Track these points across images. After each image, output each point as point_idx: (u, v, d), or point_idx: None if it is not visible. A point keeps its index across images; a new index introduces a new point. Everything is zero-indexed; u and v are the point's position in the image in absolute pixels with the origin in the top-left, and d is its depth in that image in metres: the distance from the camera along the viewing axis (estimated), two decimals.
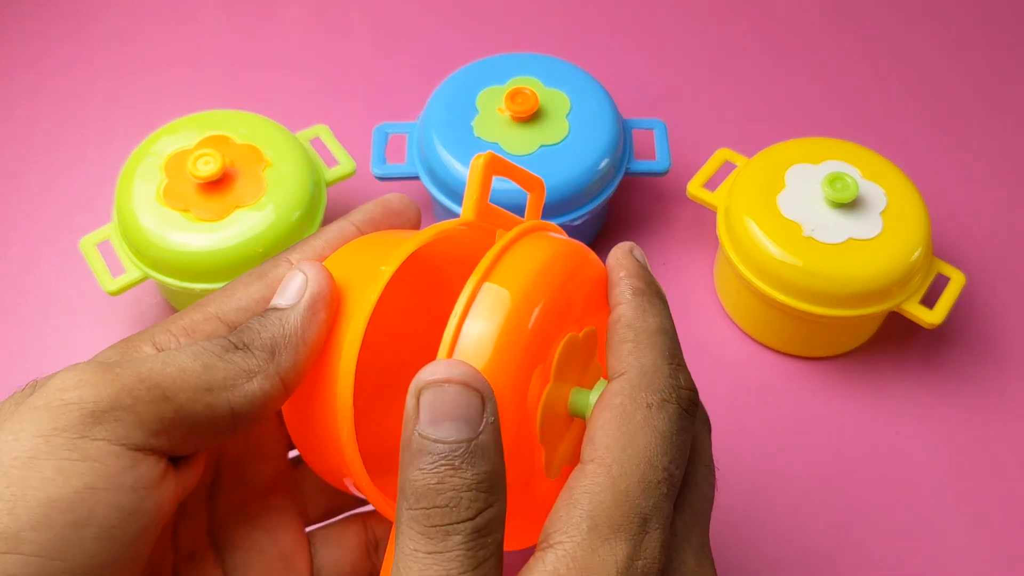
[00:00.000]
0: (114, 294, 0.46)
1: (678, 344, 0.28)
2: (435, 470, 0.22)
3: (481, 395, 0.23)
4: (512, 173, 0.29)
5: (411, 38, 0.63)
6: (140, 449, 0.24)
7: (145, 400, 0.24)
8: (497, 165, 0.28)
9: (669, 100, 0.59)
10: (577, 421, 0.28)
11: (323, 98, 0.59)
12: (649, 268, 0.29)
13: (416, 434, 0.22)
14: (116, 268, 0.47)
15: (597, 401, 0.26)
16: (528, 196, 0.30)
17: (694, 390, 0.27)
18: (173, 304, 0.50)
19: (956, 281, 0.45)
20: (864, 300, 0.44)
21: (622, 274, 0.28)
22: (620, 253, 0.29)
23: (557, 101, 0.49)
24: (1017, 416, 0.46)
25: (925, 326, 0.44)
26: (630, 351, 0.26)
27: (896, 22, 0.64)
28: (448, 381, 0.23)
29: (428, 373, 0.23)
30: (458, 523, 0.22)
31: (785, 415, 0.46)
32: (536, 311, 0.26)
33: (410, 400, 0.23)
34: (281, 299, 0.27)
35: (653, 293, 0.28)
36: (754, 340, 0.49)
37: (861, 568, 0.42)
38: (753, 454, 0.45)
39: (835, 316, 0.44)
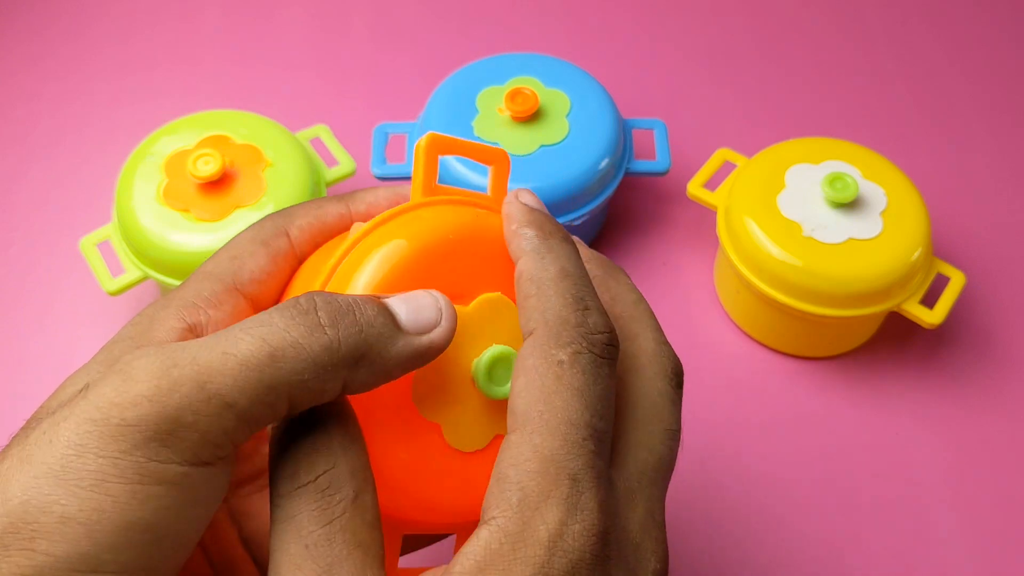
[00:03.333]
0: (114, 294, 0.46)
1: (587, 285, 0.26)
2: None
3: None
4: (463, 149, 0.28)
5: (411, 38, 0.63)
6: (209, 463, 0.23)
7: (206, 414, 0.23)
8: (442, 144, 0.27)
9: (669, 100, 0.59)
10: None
11: (323, 98, 0.59)
12: (544, 209, 0.28)
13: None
14: (116, 268, 0.47)
15: (515, 367, 0.25)
16: (489, 170, 0.29)
17: (608, 331, 0.25)
18: None
19: (956, 281, 0.45)
20: (864, 300, 0.44)
21: (514, 226, 0.27)
22: (509, 202, 0.27)
23: (557, 101, 0.49)
24: (1017, 416, 0.46)
25: (925, 326, 0.44)
26: (534, 305, 0.25)
27: (896, 22, 0.64)
28: None
29: None
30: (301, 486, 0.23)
31: (785, 415, 0.46)
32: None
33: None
34: (401, 310, 0.25)
35: (551, 235, 0.27)
36: (754, 340, 0.49)
37: (861, 568, 0.42)
38: (752, 454, 0.45)
39: (835, 316, 0.44)
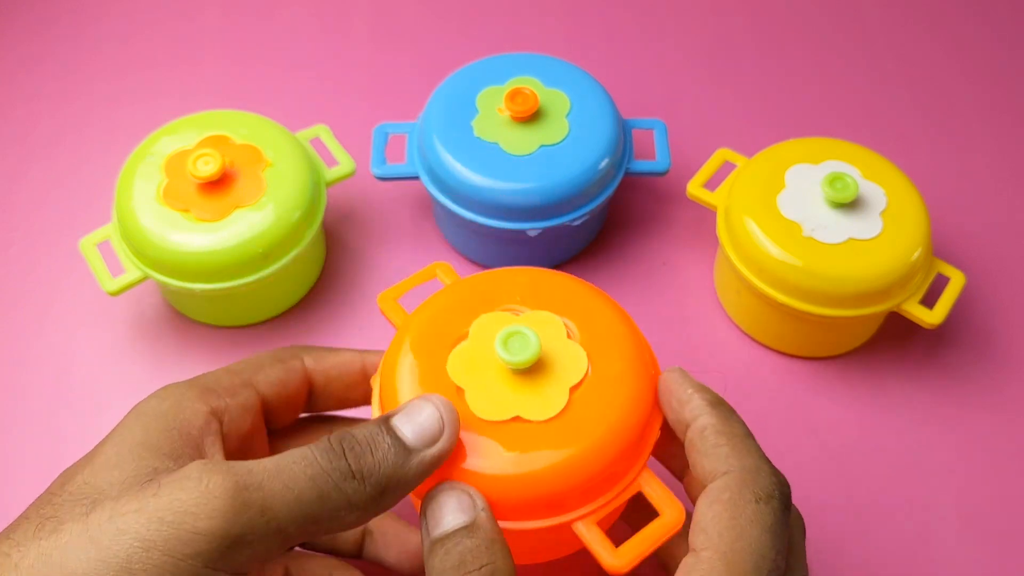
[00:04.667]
0: (114, 294, 0.46)
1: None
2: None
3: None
4: (408, 285, 0.39)
5: (411, 38, 0.63)
6: (246, 574, 0.27)
7: (264, 536, 0.27)
8: (390, 294, 0.38)
9: (669, 100, 0.59)
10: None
11: (323, 98, 0.59)
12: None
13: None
14: (116, 268, 0.47)
15: (703, 496, 0.30)
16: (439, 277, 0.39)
17: (788, 488, 0.30)
18: (173, 304, 0.50)
19: (956, 281, 0.45)
20: (864, 300, 0.44)
21: (689, 391, 0.32)
22: (675, 375, 0.33)
23: (557, 101, 0.49)
24: (1017, 416, 0.46)
25: (925, 326, 0.44)
26: (728, 453, 0.30)
27: (896, 22, 0.64)
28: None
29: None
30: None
31: (785, 415, 0.46)
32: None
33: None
34: (407, 430, 0.29)
35: (725, 403, 0.32)
36: (754, 340, 0.49)
37: (861, 568, 0.42)
38: None
39: (835, 316, 0.44)
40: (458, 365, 0.33)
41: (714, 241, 0.50)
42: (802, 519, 0.32)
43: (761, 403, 0.47)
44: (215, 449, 0.31)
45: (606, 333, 0.34)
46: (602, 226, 0.53)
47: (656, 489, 0.32)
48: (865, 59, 0.62)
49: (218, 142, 0.47)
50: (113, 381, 0.48)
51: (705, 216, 0.52)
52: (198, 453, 0.30)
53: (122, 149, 0.53)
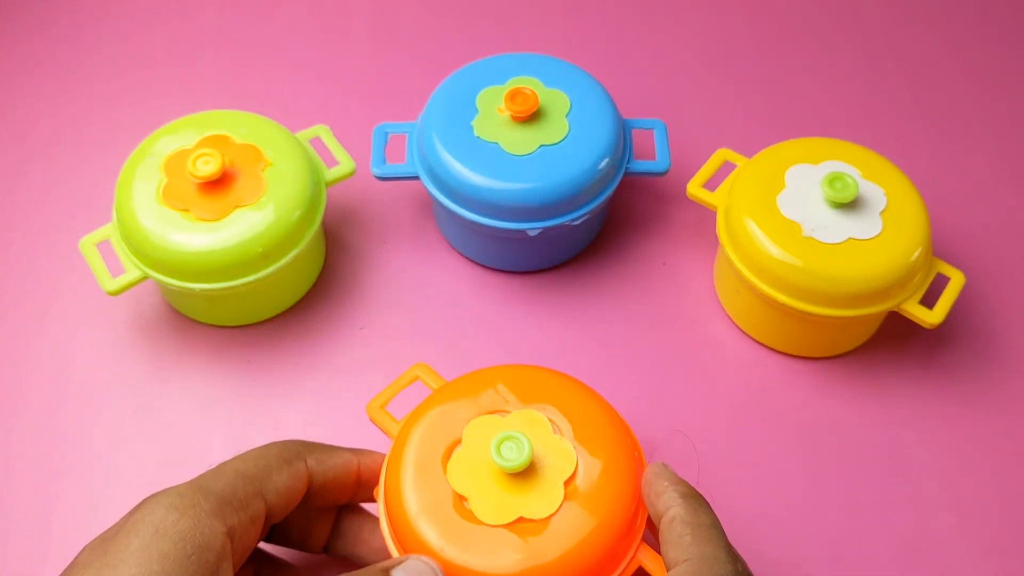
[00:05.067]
0: (114, 294, 0.46)
1: (725, 537, 0.32)
2: None
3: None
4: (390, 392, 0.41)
5: (411, 38, 0.63)
6: None
7: None
8: (378, 402, 0.40)
9: (669, 100, 0.59)
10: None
11: (323, 98, 0.59)
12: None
13: None
14: (116, 268, 0.47)
15: None
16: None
17: (746, 572, 0.32)
18: (173, 304, 0.50)
19: (956, 281, 0.45)
20: (864, 300, 0.44)
21: (665, 483, 0.34)
22: (658, 468, 0.35)
23: (557, 101, 0.49)
24: (1017, 416, 0.46)
25: (925, 326, 0.44)
26: (690, 543, 0.31)
27: (896, 22, 0.64)
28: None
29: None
30: None
31: (785, 415, 0.46)
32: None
33: None
34: None
35: (700, 499, 0.33)
36: (754, 340, 0.49)
37: (861, 568, 0.42)
38: (752, 454, 0.45)
39: (835, 316, 0.44)
40: (457, 473, 0.35)
41: (714, 241, 0.50)
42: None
43: (761, 403, 0.47)
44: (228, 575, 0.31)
45: (590, 424, 0.36)
46: (602, 226, 0.53)
47: (652, 559, 0.35)
48: (865, 59, 0.62)
49: (218, 142, 0.47)
50: (113, 381, 0.48)
51: (705, 216, 0.52)
52: None
53: (122, 149, 0.53)
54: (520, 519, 0.34)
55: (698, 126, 0.57)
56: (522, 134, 0.47)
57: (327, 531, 0.39)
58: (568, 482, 0.35)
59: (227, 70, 0.61)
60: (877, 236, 0.44)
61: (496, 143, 0.47)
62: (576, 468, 0.35)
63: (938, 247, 0.52)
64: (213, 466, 0.34)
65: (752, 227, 0.45)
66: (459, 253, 0.52)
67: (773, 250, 0.44)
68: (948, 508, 0.44)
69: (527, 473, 0.35)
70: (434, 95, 0.50)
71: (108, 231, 0.47)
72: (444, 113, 0.49)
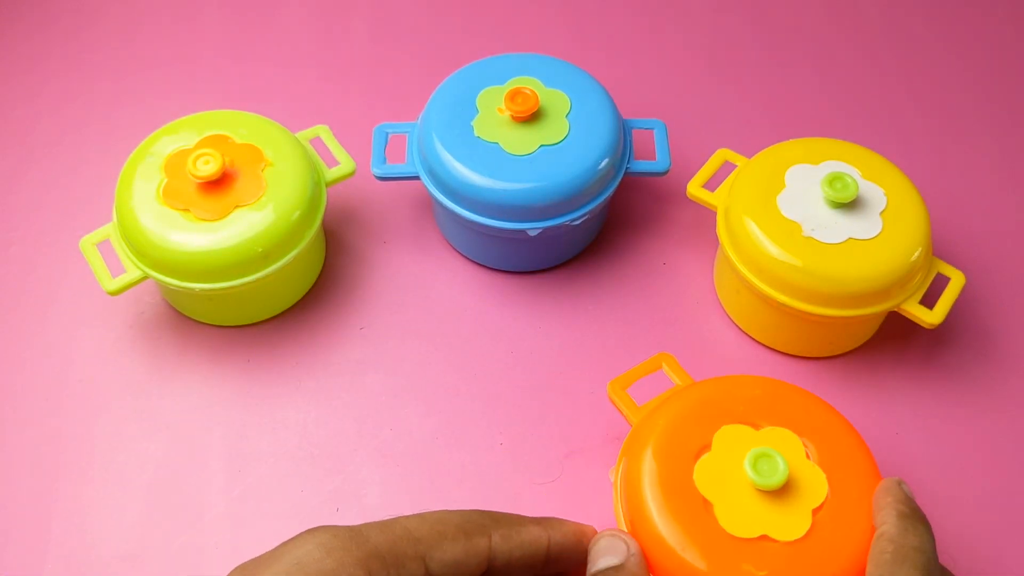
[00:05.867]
0: (114, 294, 0.46)
1: (937, 564, 0.32)
2: None
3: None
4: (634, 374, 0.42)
5: (411, 38, 0.63)
6: None
7: None
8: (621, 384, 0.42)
9: (669, 100, 0.59)
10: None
11: (323, 98, 0.59)
12: (915, 501, 0.34)
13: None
14: (116, 268, 0.47)
15: None
16: (664, 369, 0.42)
17: None
18: (173, 304, 0.50)
19: (956, 281, 0.45)
20: (864, 300, 0.44)
21: (889, 499, 0.33)
22: (889, 484, 0.34)
23: (557, 101, 0.49)
24: (1017, 416, 0.46)
25: (925, 326, 0.44)
26: (888, 561, 0.31)
27: (896, 22, 0.64)
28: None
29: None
30: None
31: None
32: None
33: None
34: None
35: (917, 519, 0.33)
36: (754, 340, 0.49)
37: None
38: None
39: (835, 316, 0.44)
40: (705, 478, 0.35)
41: (714, 241, 0.50)
42: None
43: None
44: None
45: (842, 454, 0.36)
46: (602, 226, 0.53)
47: None
48: (865, 59, 0.62)
49: (218, 142, 0.47)
50: (113, 380, 0.48)
51: (705, 216, 0.52)
52: None
53: (122, 149, 0.53)
54: (764, 537, 0.34)
55: (698, 126, 0.57)
56: (522, 134, 0.47)
57: None
58: (817, 511, 0.34)
59: (227, 70, 0.61)
60: (877, 236, 0.44)
61: (496, 143, 0.47)
62: (826, 498, 0.35)
63: (938, 247, 0.52)
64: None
65: (752, 227, 0.45)
66: (459, 253, 0.52)
67: (773, 250, 0.44)
68: (948, 508, 0.44)
69: (778, 493, 0.34)
70: (434, 95, 0.50)
71: (108, 231, 0.47)
72: (444, 113, 0.49)
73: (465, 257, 0.52)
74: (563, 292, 0.51)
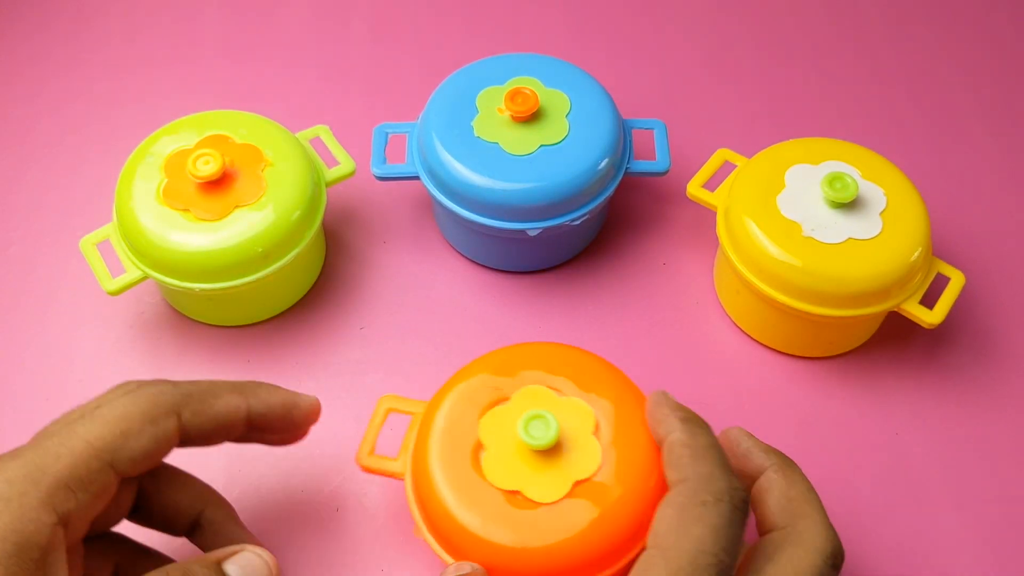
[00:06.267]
0: (114, 294, 0.46)
1: (726, 457, 0.33)
2: None
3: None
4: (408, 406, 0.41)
5: (411, 38, 0.63)
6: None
7: None
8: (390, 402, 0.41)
9: (669, 100, 0.59)
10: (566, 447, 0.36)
11: (323, 98, 0.59)
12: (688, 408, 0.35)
13: None
14: (116, 268, 0.47)
15: (661, 502, 0.32)
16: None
17: (746, 493, 0.32)
18: (173, 304, 0.50)
19: (956, 281, 0.45)
20: (864, 300, 0.44)
21: (665, 410, 0.35)
22: (657, 396, 0.36)
23: (557, 101, 0.49)
24: (1017, 416, 0.46)
25: (925, 326, 0.44)
26: (688, 463, 0.32)
27: (896, 22, 0.64)
28: None
29: None
30: None
31: (785, 415, 0.46)
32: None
33: None
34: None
35: (698, 421, 0.34)
36: (754, 340, 0.49)
37: (860, 568, 0.42)
38: None
39: (835, 316, 0.44)
40: (489, 425, 0.37)
41: (714, 241, 0.50)
42: (834, 544, 0.32)
43: (761, 403, 0.47)
44: (59, 567, 0.29)
45: (632, 439, 0.36)
46: (602, 226, 0.53)
47: None
48: (865, 59, 0.62)
49: (218, 142, 0.47)
50: (113, 381, 0.47)
51: (705, 216, 0.52)
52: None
53: (122, 149, 0.53)
54: (518, 492, 0.35)
55: (698, 126, 0.57)
56: (522, 134, 0.47)
57: (192, 517, 0.37)
58: (580, 483, 0.35)
59: (227, 70, 0.61)
60: (877, 236, 0.44)
61: (496, 143, 0.47)
62: (595, 473, 0.35)
63: (938, 247, 0.52)
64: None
65: (752, 227, 0.45)
66: (459, 253, 0.52)
67: (773, 250, 0.44)
68: (948, 508, 0.44)
69: (547, 456, 0.36)
70: (434, 95, 0.50)
71: (108, 231, 0.47)
72: (444, 113, 0.49)
73: (465, 257, 0.52)
74: (563, 292, 0.51)
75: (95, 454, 0.30)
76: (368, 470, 0.39)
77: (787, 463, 0.35)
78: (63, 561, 0.29)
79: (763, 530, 0.33)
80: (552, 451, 0.36)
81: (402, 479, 0.38)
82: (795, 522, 0.32)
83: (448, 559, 0.35)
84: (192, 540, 0.38)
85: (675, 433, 0.33)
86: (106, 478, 0.30)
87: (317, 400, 0.37)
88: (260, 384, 0.36)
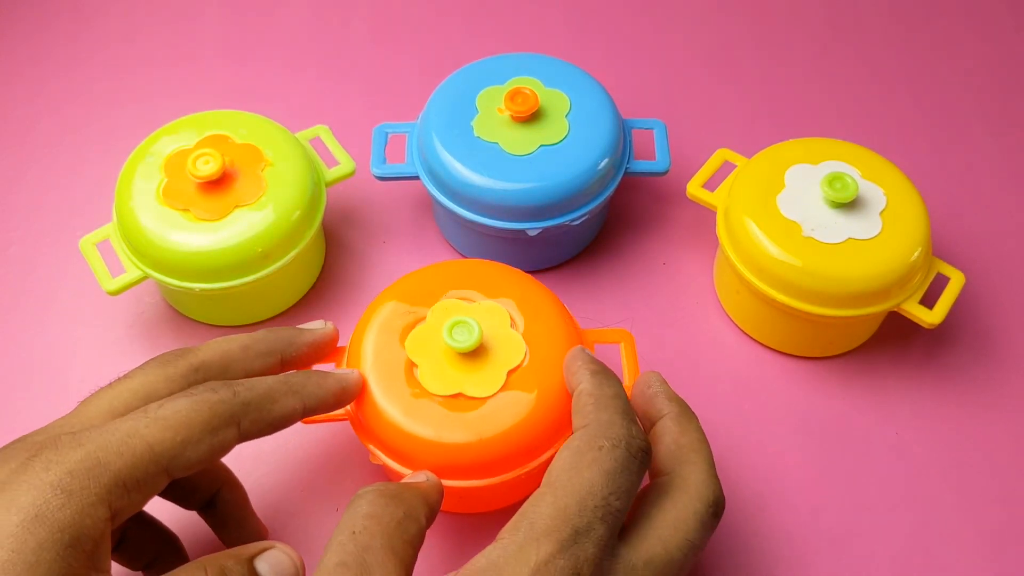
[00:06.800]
0: (114, 294, 0.46)
1: (631, 408, 0.34)
2: None
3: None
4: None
5: (411, 38, 0.63)
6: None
7: None
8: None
9: (669, 100, 0.59)
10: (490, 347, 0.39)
11: (323, 98, 0.59)
12: (600, 362, 0.37)
13: None
14: (116, 268, 0.47)
15: (561, 446, 0.33)
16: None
17: (645, 442, 0.33)
18: (173, 304, 0.50)
19: (956, 281, 0.45)
20: (864, 300, 0.44)
21: (578, 363, 0.37)
22: (574, 352, 0.38)
23: (557, 101, 0.49)
24: (1017, 416, 0.46)
25: (925, 326, 0.44)
26: (591, 411, 0.33)
27: (896, 22, 0.64)
28: None
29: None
30: None
31: (785, 415, 0.46)
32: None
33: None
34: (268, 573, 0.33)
35: (608, 374, 0.36)
36: (754, 340, 0.49)
37: (860, 568, 0.42)
38: (752, 454, 0.45)
39: (835, 316, 0.44)
40: (415, 344, 0.39)
41: (714, 241, 0.50)
42: (716, 493, 0.33)
43: (761, 403, 0.47)
44: (105, 557, 0.30)
45: (545, 324, 0.40)
46: (602, 226, 0.53)
47: None
48: (865, 59, 0.62)
49: (218, 142, 0.47)
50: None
51: (705, 216, 0.52)
52: (90, 567, 0.29)
53: (122, 149, 0.53)
54: (460, 395, 0.38)
55: (698, 126, 0.57)
56: (522, 134, 0.47)
57: (209, 493, 0.38)
58: (512, 372, 0.38)
59: (227, 70, 0.61)
60: (877, 236, 0.44)
61: (496, 143, 0.47)
62: (523, 361, 0.38)
63: (938, 247, 0.52)
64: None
65: (752, 227, 0.45)
66: (459, 253, 0.52)
67: (773, 250, 0.44)
68: (948, 508, 0.44)
69: (476, 356, 0.38)
70: (434, 95, 0.50)
71: (108, 231, 0.47)
72: (444, 113, 0.49)
73: (465, 257, 0.52)
74: (563, 292, 0.51)
75: (154, 458, 0.31)
76: (312, 422, 0.39)
77: (684, 411, 0.36)
78: (108, 551, 0.30)
79: (652, 475, 0.34)
80: (479, 351, 0.38)
81: (346, 420, 0.40)
82: (681, 468, 0.34)
83: (406, 471, 0.37)
84: (203, 515, 0.39)
85: (583, 384, 0.35)
86: (160, 481, 0.31)
87: (360, 373, 0.39)
88: (308, 376, 0.36)
